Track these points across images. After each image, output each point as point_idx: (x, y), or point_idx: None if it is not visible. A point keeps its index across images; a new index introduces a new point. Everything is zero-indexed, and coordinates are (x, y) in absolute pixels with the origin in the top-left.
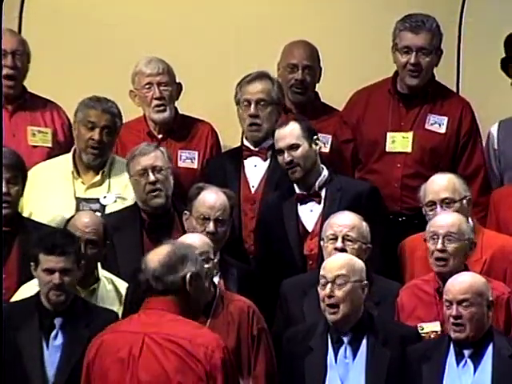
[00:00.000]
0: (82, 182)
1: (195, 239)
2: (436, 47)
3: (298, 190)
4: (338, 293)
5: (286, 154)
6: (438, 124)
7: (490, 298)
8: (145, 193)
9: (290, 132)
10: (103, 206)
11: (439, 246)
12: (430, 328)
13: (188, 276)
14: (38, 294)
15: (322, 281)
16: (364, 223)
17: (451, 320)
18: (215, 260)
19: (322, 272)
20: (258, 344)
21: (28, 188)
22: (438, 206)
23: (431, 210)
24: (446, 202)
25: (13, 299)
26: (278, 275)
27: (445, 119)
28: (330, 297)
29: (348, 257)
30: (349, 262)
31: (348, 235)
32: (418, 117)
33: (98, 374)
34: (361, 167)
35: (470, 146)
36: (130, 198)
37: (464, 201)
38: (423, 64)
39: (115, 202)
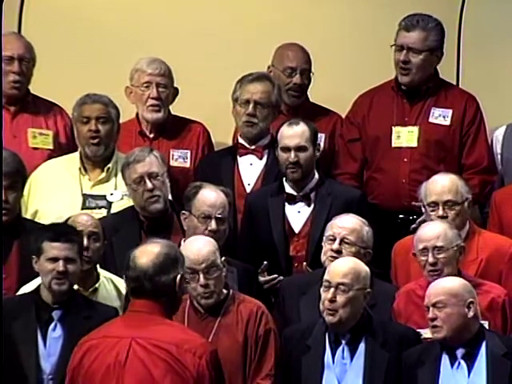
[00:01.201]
0: (89, 179)
1: (200, 250)
2: (431, 47)
3: (288, 190)
4: (340, 298)
5: (292, 154)
6: (442, 116)
7: (470, 299)
8: (143, 200)
9: (301, 133)
10: (110, 203)
11: (430, 259)
12: (428, 334)
13: (178, 278)
14: (36, 289)
15: (326, 284)
16: (366, 228)
17: (429, 323)
18: (223, 258)
19: (326, 276)
20: (265, 344)
21: (33, 186)
22: (440, 209)
23: (433, 211)
24: (449, 205)
25: None
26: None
27: (449, 111)
28: (331, 301)
29: (353, 263)
30: (354, 269)
31: (346, 238)
32: (421, 111)
33: (83, 379)
34: (368, 166)
35: (473, 135)
36: None
37: (465, 203)
38: (413, 62)
39: (122, 199)
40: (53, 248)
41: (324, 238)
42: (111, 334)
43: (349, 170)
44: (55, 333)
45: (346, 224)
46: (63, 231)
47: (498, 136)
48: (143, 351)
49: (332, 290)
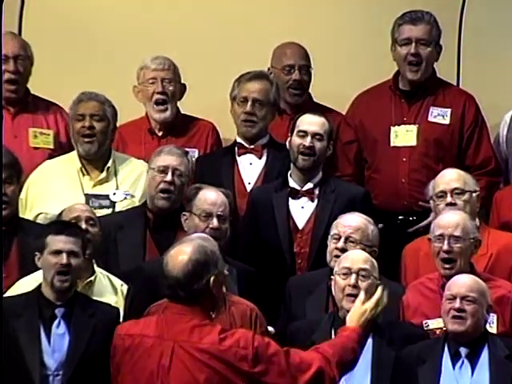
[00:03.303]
0: (89, 179)
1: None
2: (435, 40)
3: (292, 184)
4: (362, 284)
5: (309, 138)
6: (441, 116)
7: (490, 303)
8: (156, 190)
9: (322, 124)
10: (113, 203)
11: (445, 247)
12: (436, 325)
13: (212, 279)
14: (38, 287)
15: (345, 271)
16: (371, 226)
17: (452, 313)
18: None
19: (344, 263)
20: None
21: (32, 189)
22: (449, 196)
23: (441, 201)
24: (456, 193)
25: (9, 294)
26: (265, 267)
27: (448, 111)
28: (354, 286)
29: (367, 254)
30: (370, 258)
31: (351, 236)
32: (420, 110)
33: (127, 379)
34: (368, 166)
35: (477, 136)
36: (138, 196)
37: (474, 194)
38: (423, 55)
39: (125, 199)
40: (57, 241)
41: (329, 236)
42: (150, 333)
43: (345, 173)
44: (59, 329)
45: (351, 223)
46: (68, 225)
47: (506, 118)
48: (187, 356)
49: (354, 275)
